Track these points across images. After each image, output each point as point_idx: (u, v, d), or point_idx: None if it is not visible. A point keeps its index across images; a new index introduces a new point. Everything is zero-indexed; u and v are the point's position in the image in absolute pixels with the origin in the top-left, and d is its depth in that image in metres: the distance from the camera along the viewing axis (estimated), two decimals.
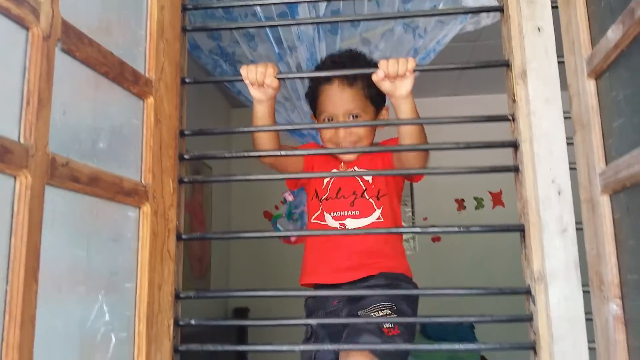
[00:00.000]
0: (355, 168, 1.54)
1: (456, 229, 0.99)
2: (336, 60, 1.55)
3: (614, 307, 0.76)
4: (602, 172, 0.79)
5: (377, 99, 1.53)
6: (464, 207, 4.72)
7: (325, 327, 1.45)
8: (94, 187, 0.72)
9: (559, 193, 0.89)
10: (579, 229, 0.89)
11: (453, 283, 4.33)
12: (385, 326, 1.31)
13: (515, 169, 0.96)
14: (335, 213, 1.50)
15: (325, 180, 1.55)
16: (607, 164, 0.80)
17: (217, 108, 4.50)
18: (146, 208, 0.84)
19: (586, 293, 0.88)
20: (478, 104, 4.19)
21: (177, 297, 0.95)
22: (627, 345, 0.75)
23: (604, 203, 0.79)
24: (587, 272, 0.86)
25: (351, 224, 1.48)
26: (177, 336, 0.96)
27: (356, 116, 1.50)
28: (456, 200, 4.73)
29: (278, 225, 3.49)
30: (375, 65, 1.45)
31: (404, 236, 4.69)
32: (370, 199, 1.49)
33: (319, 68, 1.63)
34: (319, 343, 1.43)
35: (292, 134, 2.37)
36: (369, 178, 1.51)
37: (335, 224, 1.49)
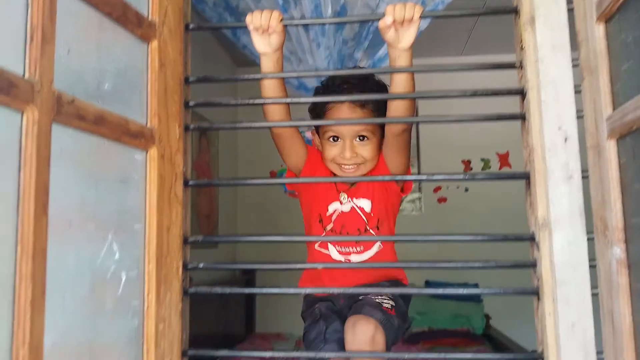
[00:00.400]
0: (354, 200, 1.52)
1: (461, 176, 0.99)
2: (347, 80, 1.49)
3: (618, 251, 0.77)
4: (609, 117, 0.78)
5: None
6: (471, 169, 4.71)
7: (334, 311, 1.50)
8: (100, 126, 0.72)
9: (565, 140, 0.89)
10: (585, 177, 0.89)
11: (458, 244, 4.36)
12: (385, 306, 1.42)
13: (522, 117, 0.96)
14: (339, 248, 1.52)
15: (330, 209, 1.53)
16: (614, 109, 0.79)
17: (223, 66, 4.47)
18: (153, 151, 0.84)
19: (590, 240, 0.89)
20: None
21: (185, 241, 0.97)
22: (629, 288, 0.75)
23: (611, 148, 0.79)
24: (592, 220, 0.86)
25: (355, 258, 1.51)
26: (186, 279, 0.97)
27: (363, 138, 1.45)
28: (463, 162, 4.72)
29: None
30: (385, 88, 1.48)
31: (409, 197, 4.71)
32: (372, 231, 1.52)
33: (326, 86, 1.56)
34: (328, 324, 1.46)
35: (298, 88, 2.36)
36: (368, 209, 1.51)
37: (339, 257, 1.52)
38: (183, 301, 0.95)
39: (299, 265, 1.01)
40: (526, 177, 0.94)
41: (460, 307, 4.27)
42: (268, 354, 0.95)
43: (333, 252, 1.52)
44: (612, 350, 0.79)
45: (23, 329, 0.58)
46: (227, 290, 0.97)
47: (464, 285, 4.49)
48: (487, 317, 4.39)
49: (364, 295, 1.46)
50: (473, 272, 4.52)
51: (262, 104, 1.17)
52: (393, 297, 1.47)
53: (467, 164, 4.72)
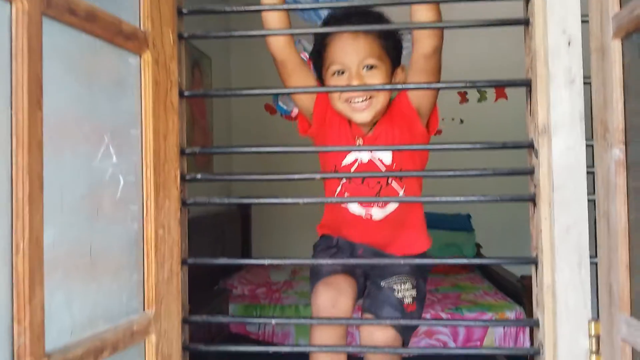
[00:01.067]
0: (372, 152, 1.40)
1: (463, 83, 0.97)
2: (348, 13, 1.36)
3: (617, 152, 0.77)
4: (615, 15, 0.76)
5: (393, 51, 1.37)
6: (467, 100, 4.68)
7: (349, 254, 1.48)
8: (92, 24, 0.70)
9: (569, 44, 0.87)
10: (587, 83, 0.87)
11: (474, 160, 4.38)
12: (405, 302, 1.38)
13: (526, 22, 0.93)
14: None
15: (347, 161, 1.41)
16: (621, 7, 0.77)
17: None
18: (147, 56, 0.82)
19: (588, 148, 0.89)
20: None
21: (182, 152, 0.96)
22: (626, 188, 0.76)
23: (615, 48, 0.77)
24: (591, 128, 0.86)
25: (377, 214, 1.41)
26: (184, 191, 0.97)
27: (371, 68, 1.32)
28: (459, 93, 4.68)
29: (280, 103, 3.46)
30: (386, 20, 1.36)
31: None
32: (394, 184, 1.40)
33: (326, 21, 1.45)
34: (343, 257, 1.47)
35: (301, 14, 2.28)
36: (388, 161, 1.38)
37: (360, 211, 1.42)
38: (182, 211, 0.96)
39: (300, 200, 0.98)
40: (527, 84, 0.92)
41: (452, 237, 4.34)
42: (266, 261, 0.96)
43: (352, 205, 1.42)
44: (607, 251, 0.80)
45: (22, 222, 0.58)
46: (225, 200, 0.97)
47: (457, 216, 4.56)
48: (478, 246, 4.48)
49: (385, 282, 1.40)
50: (466, 204, 4.57)
51: (258, 11, 1.12)
52: (414, 277, 1.41)
53: (463, 95, 4.68)
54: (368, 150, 1.40)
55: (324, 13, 1.87)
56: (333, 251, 1.49)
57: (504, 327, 3.17)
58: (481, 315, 3.19)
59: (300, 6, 1.27)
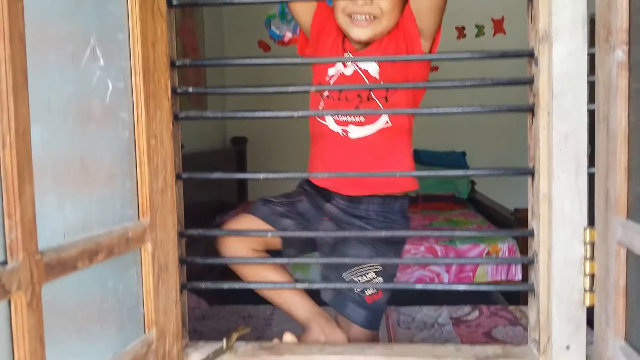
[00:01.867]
0: (358, 63, 1.31)
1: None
2: None
3: (620, 54, 0.75)
4: None
5: None
6: (464, 35, 4.60)
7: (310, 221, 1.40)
8: None
9: None
10: None
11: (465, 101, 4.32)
12: (367, 294, 1.31)
13: None
14: (336, 116, 1.33)
15: (330, 72, 1.34)
16: None
17: None
18: None
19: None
20: None
21: (172, 64, 0.93)
22: (628, 89, 0.74)
23: None
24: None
25: (354, 132, 1.31)
26: (176, 104, 0.95)
27: None
28: (457, 28, 4.59)
29: (272, 28, 3.38)
30: None
31: None
32: (377, 100, 1.30)
33: None
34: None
35: None
36: (374, 72, 1.29)
37: (337, 128, 1.33)
38: (174, 125, 0.94)
39: (294, 113, 0.95)
40: None
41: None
42: (261, 176, 0.95)
43: (330, 122, 1.34)
44: (605, 156, 0.79)
45: (7, 114, 0.56)
46: (219, 114, 0.95)
47: (452, 153, 4.56)
48: (472, 182, 4.51)
49: (346, 274, 1.32)
50: (460, 141, 4.57)
51: None
52: (381, 253, 1.34)
53: (460, 30, 4.60)
54: (351, 60, 1.31)
55: None
56: (295, 208, 1.40)
57: (496, 258, 3.23)
58: (474, 247, 3.25)
59: None
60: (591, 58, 0.85)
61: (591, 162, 0.87)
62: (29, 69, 0.58)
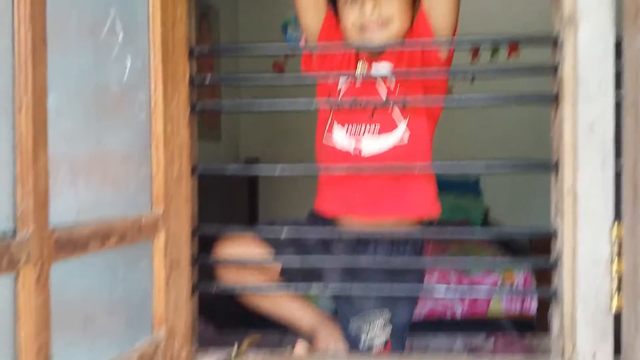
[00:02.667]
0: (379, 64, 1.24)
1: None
2: None
3: None
4: None
5: None
6: (478, 57, 4.59)
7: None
8: None
9: None
10: None
11: (464, 131, 4.32)
12: (375, 348, 1.19)
13: None
14: (350, 125, 1.23)
15: (341, 85, 1.27)
16: None
17: None
18: None
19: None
20: None
21: (191, 53, 0.91)
22: None
23: None
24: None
25: (368, 146, 1.22)
26: (193, 94, 0.93)
27: None
28: (471, 49, 4.59)
29: (289, 32, 3.38)
30: None
31: None
32: (396, 112, 1.22)
33: None
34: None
35: None
36: (391, 83, 1.22)
37: (348, 144, 1.23)
38: (191, 116, 0.92)
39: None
40: None
41: (459, 200, 4.30)
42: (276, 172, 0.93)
43: (340, 136, 1.24)
44: (633, 144, 0.77)
45: (25, 76, 0.55)
46: (236, 103, 0.93)
47: (465, 181, 4.52)
48: (487, 210, 4.45)
49: (353, 320, 1.21)
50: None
51: None
52: (390, 305, 1.21)
53: (475, 51, 4.60)
54: (363, 70, 1.24)
55: None
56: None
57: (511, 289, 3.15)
58: (488, 276, 3.17)
59: None
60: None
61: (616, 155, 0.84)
62: (47, 33, 0.57)
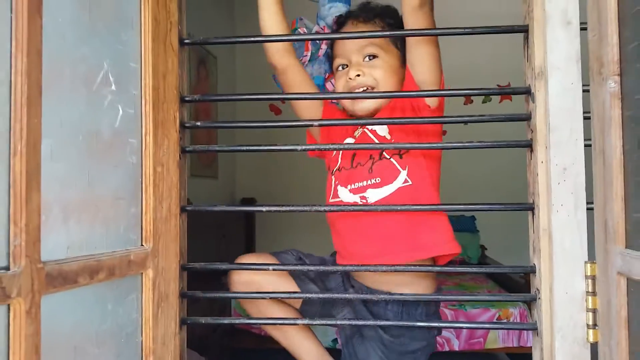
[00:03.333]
0: (371, 129, 1.28)
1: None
2: (352, 11, 1.36)
3: (612, 84, 0.77)
4: None
5: (401, 40, 1.29)
6: (471, 101, 4.69)
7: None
8: None
9: None
10: (583, 29, 0.88)
11: (456, 174, 4.37)
12: None
13: None
14: (352, 185, 1.25)
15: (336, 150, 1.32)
16: None
17: None
18: None
19: (585, 93, 0.89)
20: None
21: (182, 100, 0.97)
22: (621, 118, 0.76)
23: None
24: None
25: (373, 196, 1.22)
26: (184, 138, 0.98)
27: (372, 58, 1.27)
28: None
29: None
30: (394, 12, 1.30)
31: None
32: (392, 158, 1.23)
33: (337, 22, 1.39)
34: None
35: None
36: (383, 132, 1.25)
37: (353, 198, 1.24)
38: (181, 158, 0.96)
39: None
40: (525, 30, 0.93)
41: (456, 238, 4.31)
42: (264, 208, 0.96)
43: (344, 195, 1.26)
44: (602, 187, 0.80)
45: (20, 124, 0.59)
46: (225, 147, 0.97)
47: (461, 217, 4.55)
48: (483, 247, 4.46)
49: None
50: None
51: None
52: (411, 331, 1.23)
53: (467, 98, 4.69)
54: (360, 125, 1.28)
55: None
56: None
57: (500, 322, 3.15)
58: (485, 312, 3.18)
59: None
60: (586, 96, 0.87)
61: (588, 197, 0.88)
62: (43, 84, 0.61)
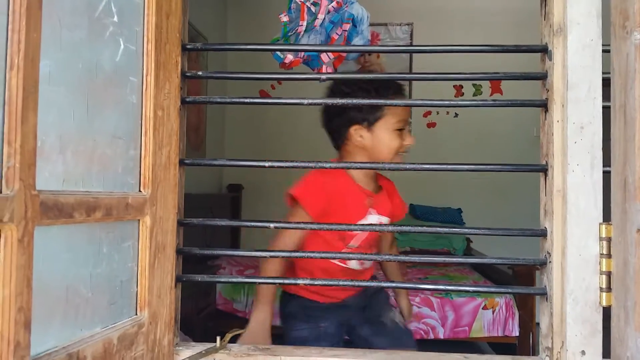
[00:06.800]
0: (379, 215, 1.51)
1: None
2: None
3: (638, 36, 0.74)
4: None
5: None
6: (462, 94, 4.68)
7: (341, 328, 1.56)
8: None
9: None
10: None
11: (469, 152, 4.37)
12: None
13: None
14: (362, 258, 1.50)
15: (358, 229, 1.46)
16: None
17: None
18: None
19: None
20: None
21: (184, 48, 0.92)
22: None
23: None
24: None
25: (368, 263, 1.54)
26: (185, 88, 0.94)
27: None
28: (455, 87, 4.68)
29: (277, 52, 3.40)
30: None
31: None
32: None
33: (376, 89, 1.47)
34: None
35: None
36: (388, 213, 1.52)
37: (358, 266, 1.51)
38: (181, 109, 0.92)
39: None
40: None
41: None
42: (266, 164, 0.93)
43: (354, 264, 1.50)
44: (623, 144, 0.77)
45: (18, 36, 0.54)
46: (227, 99, 0.93)
47: (448, 209, 4.54)
48: (468, 240, 4.46)
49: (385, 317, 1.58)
50: (457, 198, 4.58)
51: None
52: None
53: (458, 89, 4.68)
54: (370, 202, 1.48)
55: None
56: (323, 328, 1.51)
57: (493, 313, 3.15)
58: (471, 301, 3.17)
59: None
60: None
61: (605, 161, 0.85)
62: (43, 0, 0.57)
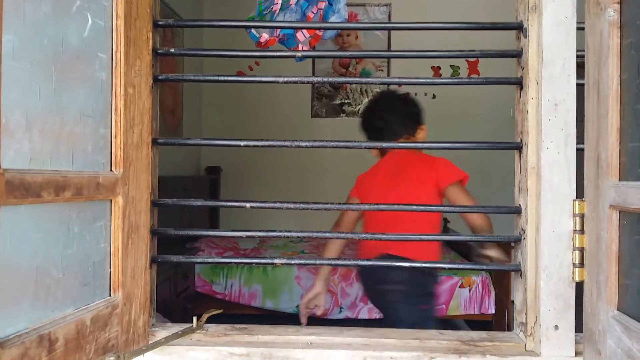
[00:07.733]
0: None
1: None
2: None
3: (611, 13, 0.74)
4: None
5: None
6: (440, 75, 4.69)
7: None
8: None
9: None
10: None
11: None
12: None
13: None
14: None
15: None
16: None
17: None
18: None
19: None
20: None
21: (155, 24, 0.90)
22: (619, 48, 0.74)
23: None
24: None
25: None
26: (157, 66, 0.92)
27: None
28: (432, 68, 4.68)
29: (252, 31, 3.36)
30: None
31: None
32: None
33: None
34: None
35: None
36: None
37: None
38: (153, 88, 0.90)
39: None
40: None
41: None
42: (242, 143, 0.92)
43: None
44: (596, 121, 0.78)
45: None
46: (201, 77, 0.91)
47: None
48: (446, 220, 4.50)
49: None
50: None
51: None
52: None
53: (436, 70, 4.69)
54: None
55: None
56: None
57: (469, 291, 3.19)
58: (448, 279, 3.21)
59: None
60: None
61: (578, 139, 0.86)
62: None
